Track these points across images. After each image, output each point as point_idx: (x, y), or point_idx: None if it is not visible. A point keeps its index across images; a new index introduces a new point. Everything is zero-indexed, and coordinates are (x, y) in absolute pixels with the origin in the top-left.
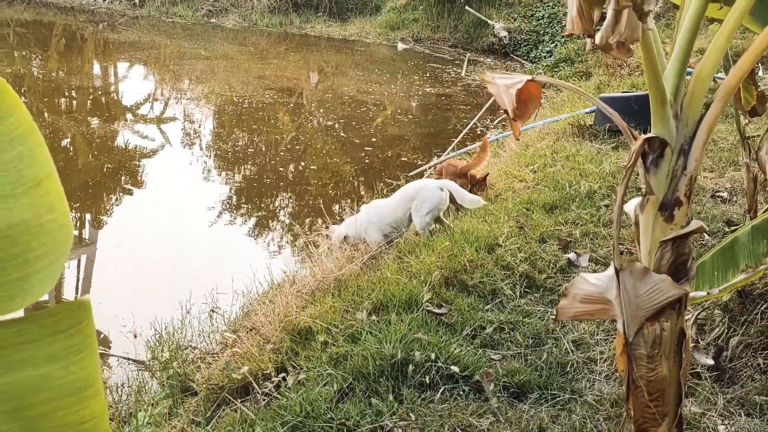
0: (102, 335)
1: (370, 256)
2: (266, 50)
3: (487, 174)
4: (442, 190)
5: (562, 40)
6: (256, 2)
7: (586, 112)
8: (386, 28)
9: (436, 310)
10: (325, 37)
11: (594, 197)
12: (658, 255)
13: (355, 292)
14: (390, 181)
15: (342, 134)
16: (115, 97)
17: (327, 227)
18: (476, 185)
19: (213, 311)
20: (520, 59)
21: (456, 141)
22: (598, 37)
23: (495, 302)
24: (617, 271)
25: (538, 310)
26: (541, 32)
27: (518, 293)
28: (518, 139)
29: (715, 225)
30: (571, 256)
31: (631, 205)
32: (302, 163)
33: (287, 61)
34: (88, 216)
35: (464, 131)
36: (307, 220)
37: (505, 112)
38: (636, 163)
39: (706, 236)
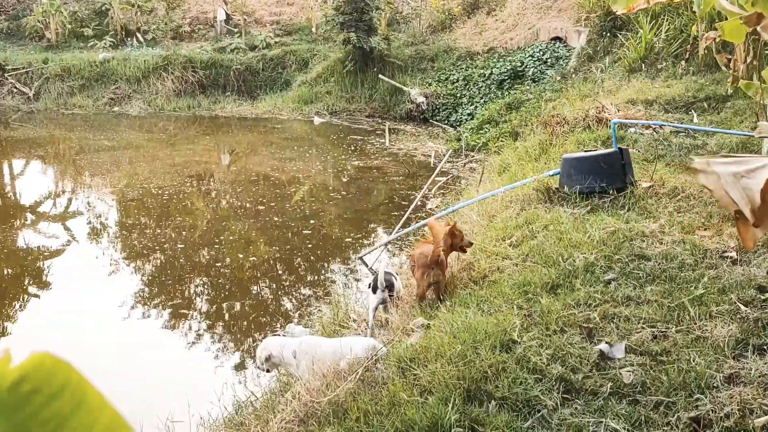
0: None
1: (364, 368)
2: (176, 135)
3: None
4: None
5: (482, 101)
6: (160, 86)
7: (549, 175)
8: (299, 102)
9: None
10: (236, 117)
11: (594, 271)
12: None
13: (360, 419)
14: (340, 266)
15: (275, 219)
16: (13, 198)
17: (283, 328)
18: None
19: None
20: (440, 124)
21: (404, 218)
22: None
23: (535, 417)
24: None
25: (589, 422)
26: (458, 95)
27: (558, 402)
28: (751, 250)
29: (743, 292)
30: (603, 347)
31: None
32: (240, 255)
33: (200, 146)
34: None
35: (410, 208)
36: (259, 321)
37: (737, 214)
38: None
39: (742, 306)
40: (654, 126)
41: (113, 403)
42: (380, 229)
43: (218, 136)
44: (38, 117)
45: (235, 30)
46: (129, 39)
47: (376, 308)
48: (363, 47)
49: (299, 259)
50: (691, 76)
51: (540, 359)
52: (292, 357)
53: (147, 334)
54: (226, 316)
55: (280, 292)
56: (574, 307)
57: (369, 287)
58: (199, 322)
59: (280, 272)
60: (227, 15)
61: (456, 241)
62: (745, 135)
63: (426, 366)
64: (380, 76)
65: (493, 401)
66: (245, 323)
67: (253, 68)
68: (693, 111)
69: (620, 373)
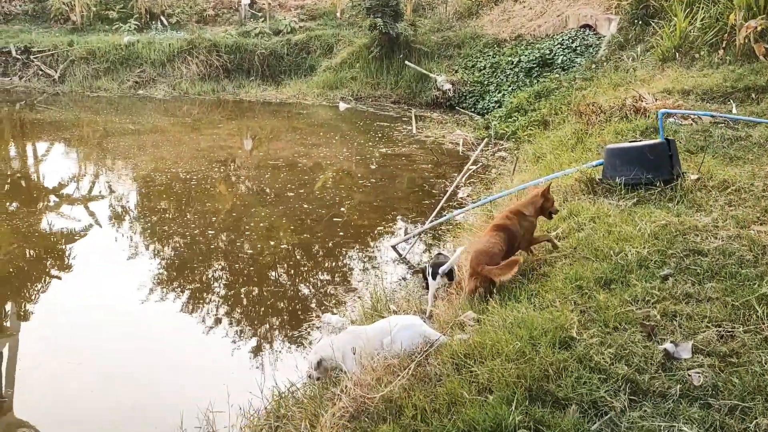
0: None
1: (416, 364)
2: (201, 119)
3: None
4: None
5: (510, 89)
6: (185, 70)
7: (593, 166)
8: (324, 88)
9: None
10: (261, 101)
11: (648, 266)
12: None
13: (416, 417)
14: (372, 254)
15: (305, 205)
16: (37, 180)
17: (319, 316)
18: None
19: None
20: (467, 112)
21: (438, 207)
22: None
23: (603, 419)
24: None
25: (660, 427)
26: (486, 82)
27: (625, 404)
28: None
29: None
30: (668, 346)
31: None
32: (271, 242)
33: (225, 130)
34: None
35: (444, 197)
36: (294, 309)
37: None
38: None
39: None
40: (696, 116)
41: None
42: (400, 219)
43: (243, 120)
44: (63, 99)
45: (260, 14)
46: (153, 22)
47: (435, 294)
48: (389, 33)
49: (331, 247)
50: (727, 66)
51: (602, 358)
52: (349, 349)
53: (180, 320)
54: (260, 304)
55: (312, 281)
56: (631, 304)
57: (429, 272)
58: (233, 310)
59: (312, 260)
60: None
61: (547, 205)
62: None
63: (482, 363)
64: (406, 62)
65: (573, 405)
66: (279, 312)
67: (278, 53)
68: (731, 101)
69: (689, 375)
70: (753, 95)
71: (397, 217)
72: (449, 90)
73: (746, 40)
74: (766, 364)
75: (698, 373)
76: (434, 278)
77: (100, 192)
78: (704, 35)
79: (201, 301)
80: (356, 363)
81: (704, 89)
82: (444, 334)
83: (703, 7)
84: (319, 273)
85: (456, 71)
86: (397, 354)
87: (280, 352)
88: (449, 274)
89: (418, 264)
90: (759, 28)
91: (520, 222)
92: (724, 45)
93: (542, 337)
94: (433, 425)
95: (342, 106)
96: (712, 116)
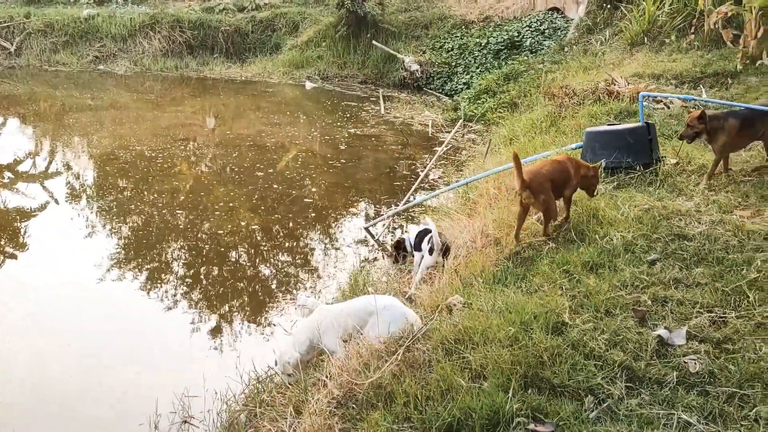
0: None
1: (405, 348)
2: (164, 96)
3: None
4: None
5: (478, 70)
6: (147, 45)
7: (572, 149)
8: (290, 66)
9: (541, 429)
10: (225, 79)
11: (635, 250)
12: None
13: (408, 405)
14: (345, 236)
15: (275, 186)
16: None
17: (294, 299)
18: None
19: (186, 422)
20: (435, 93)
21: (412, 190)
22: None
23: (601, 407)
24: None
25: (659, 414)
26: (453, 64)
27: (623, 391)
28: None
29: None
30: (662, 332)
31: None
32: (242, 223)
33: (189, 107)
34: None
35: (419, 180)
36: (266, 291)
37: None
38: None
39: None
40: (669, 100)
41: None
42: (370, 201)
43: (207, 98)
44: (20, 73)
45: None
46: None
47: (427, 269)
48: (356, 11)
49: (302, 228)
50: (696, 51)
51: (597, 344)
52: (319, 334)
53: (154, 303)
54: (228, 286)
55: (285, 263)
56: (620, 289)
57: (410, 244)
58: (203, 292)
59: (283, 242)
60: None
61: (594, 182)
62: None
63: (474, 348)
64: (374, 42)
65: (589, 396)
66: (248, 294)
67: (242, 30)
68: (701, 86)
69: (685, 362)
70: (722, 80)
71: (368, 199)
72: (417, 71)
73: (715, 26)
74: (761, 350)
75: (693, 359)
76: (419, 250)
77: (71, 171)
78: (673, 20)
79: (164, 283)
80: (339, 344)
81: (674, 74)
82: (432, 319)
83: None
84: (292, 255)
85: (424, 52)
86: (379, 336)
87: (253, 335)
88: (446, 252)
89: (388, 235)
90: (730, 13)
91: (575, 169)
92: (693, 30)
93: (533, 322)
94: (428, 413)
95: (308, 85)
96: (694, 100)
